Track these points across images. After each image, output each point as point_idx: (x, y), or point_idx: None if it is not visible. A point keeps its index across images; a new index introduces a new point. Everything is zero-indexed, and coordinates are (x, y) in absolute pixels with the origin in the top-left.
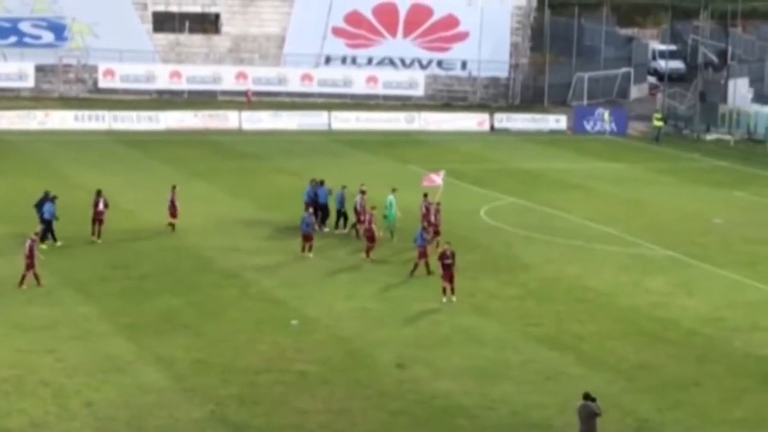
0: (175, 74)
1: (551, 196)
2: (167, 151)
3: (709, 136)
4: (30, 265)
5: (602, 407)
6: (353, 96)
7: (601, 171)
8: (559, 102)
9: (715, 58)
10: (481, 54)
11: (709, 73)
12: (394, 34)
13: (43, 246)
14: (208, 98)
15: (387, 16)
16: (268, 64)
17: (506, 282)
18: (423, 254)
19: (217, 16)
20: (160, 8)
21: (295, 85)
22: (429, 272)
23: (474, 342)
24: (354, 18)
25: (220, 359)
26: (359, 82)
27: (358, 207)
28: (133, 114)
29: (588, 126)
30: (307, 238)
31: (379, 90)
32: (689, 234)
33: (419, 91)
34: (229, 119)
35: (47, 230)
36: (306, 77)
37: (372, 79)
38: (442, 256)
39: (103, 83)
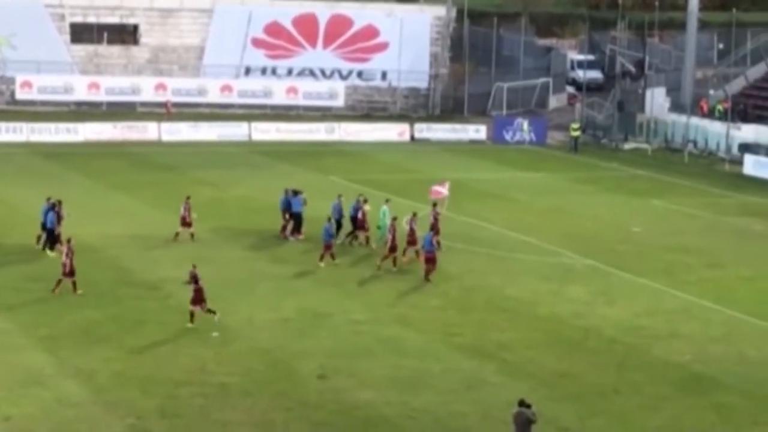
0: (94, 85)
1: (471, 206)
2: (86, 163)
3: (627, 146)
4: (71, 273)
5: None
6: (273, 107)
7: (520, 180)
8: (478, 112)
9: (632, 68)
10: (401, 64)
11: (627, 82)
12: (314, 44)
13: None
14: (127, 110)
15: (307, 26)
16: (187, 75)
17: (428, 292)
18: (431, 260)
19: (135, 27)
20: (78, 19)
21: (214, 96)
22: (428, 280)
23: (395, 352)
24: (274, 29)
25: (140, 372)
26: (279, 93)
27: (360, 216)
28: (51, 126)
29: (507, 136)
30: (327, 247)
31: (300, 101)
32: (608, 243)
33: (339, 102)
34: (149, 131)
35: (49, 239)
36: (226, 88)
37: (292, 90)
38: (190, 280)
39: (20, 95)
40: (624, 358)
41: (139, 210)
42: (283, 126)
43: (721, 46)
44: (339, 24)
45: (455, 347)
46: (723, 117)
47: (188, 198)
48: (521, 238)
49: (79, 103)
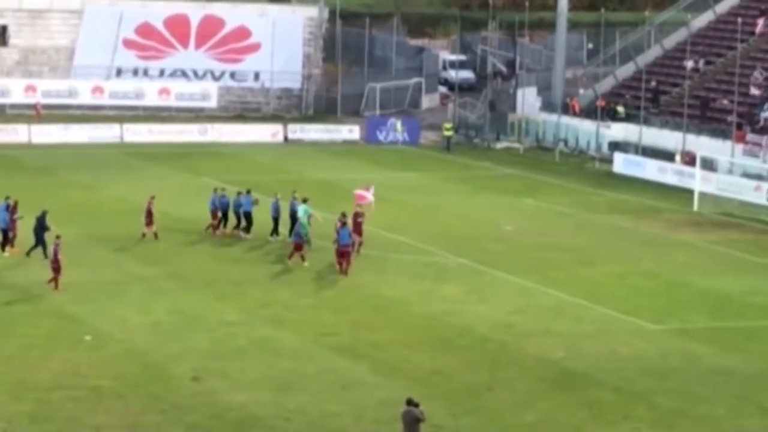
0: None
1: (345, 206)
2: None
3: (499, 145)
4: (57, 269)
5: (425, 412)
6: (145, 108)
7: (394, 180)
8: (351, 112)
9: (503, 68)
10: (274, 65)
11: (498, 82)
12: (186, 45)
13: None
14: None
15: (178, 27)
16: (57, 77)
17: (301, 292)
18: (346, 254)
19: (4, 29)
20: None
21: (85, 98)
22: (341, 271)
23: (270, 353)
24: (145, 30)
25: (10, 376)
26: (151, 94)
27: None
28: None
29: (381, 136)
30: (298, 247)
31: (172, 102)
32: (481, 241)
33: (212, 103)
34: (19, 133)
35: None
36: (97, 89)
37: (164, 91)
38: None
39: None
40: (497, 355)
41: None
42: (156, 127)
43: (590, 45)
44: (211, 25)
45: (329, 347)
46: (621, 116)
47: (152, 197)
48: (395, 237)
49: None
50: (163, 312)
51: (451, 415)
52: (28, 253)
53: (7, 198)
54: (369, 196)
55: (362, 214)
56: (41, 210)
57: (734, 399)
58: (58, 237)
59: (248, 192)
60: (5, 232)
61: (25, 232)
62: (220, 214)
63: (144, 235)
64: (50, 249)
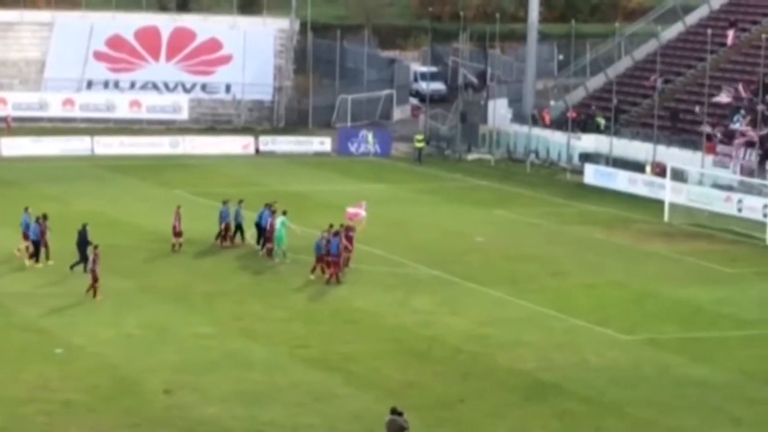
0: None
1: (317, 218)
2: None
3: (471, 156)
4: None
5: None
6: (116, 120)
7: (365, 192)
8: (323, 124)
9: (474, 80)
10: (245, 77)
11: (470, 94)
12: (156, 57)
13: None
14: None
15: (149, 39)
16: (28, 89)
17: (274, 305)
18: (335, 264)
19: None
20: None
21: (56, 110)
22: (337, 282)
23: (242, 366)
24: (116, 42)
25: None
26: (122, 107)
27: (268, 226)
28: None
29: (352, 148)
30: (319, 259)
31: (143, 114)
32: (452, 253)
33: (183, 115)
34: None
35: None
36: (67, 102)
37: (135, 104)
38: None
39: None
40: (469, 366)
41: None
42: (127, 140)
43: (561, 57)
44: (182, 37)
45: (302, 360)
46: (600, 128)
47: (179, 207)
48: (367, 249)
49: None
50: (135, 325)
51: (424, 426)
52: (71, 267)
53: (27, 209)
54: (361, 212)
55: (353, 228)
56: (81, 224)
57: (705, 409)
58: (96, 247)
59: (266, 205)
60: (36, 244)
61: (58, 246)
62: (233, 225)
63: (174, 246)
64: (90, 259)
